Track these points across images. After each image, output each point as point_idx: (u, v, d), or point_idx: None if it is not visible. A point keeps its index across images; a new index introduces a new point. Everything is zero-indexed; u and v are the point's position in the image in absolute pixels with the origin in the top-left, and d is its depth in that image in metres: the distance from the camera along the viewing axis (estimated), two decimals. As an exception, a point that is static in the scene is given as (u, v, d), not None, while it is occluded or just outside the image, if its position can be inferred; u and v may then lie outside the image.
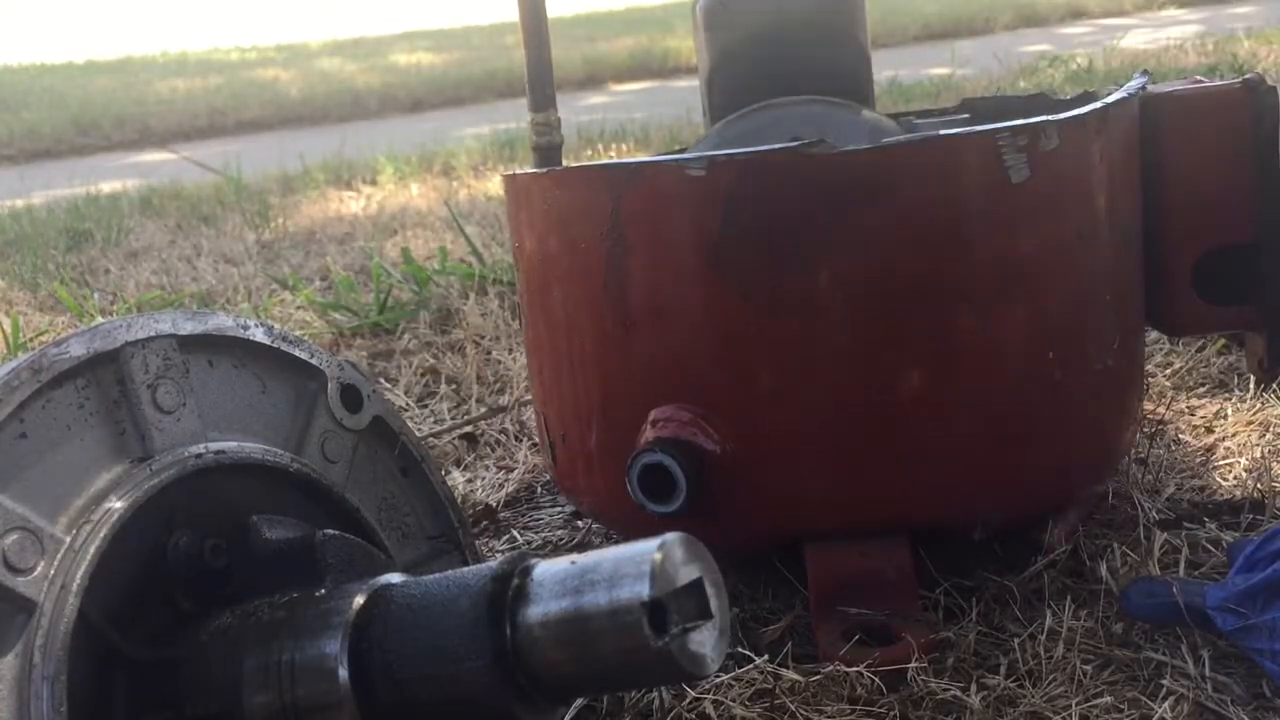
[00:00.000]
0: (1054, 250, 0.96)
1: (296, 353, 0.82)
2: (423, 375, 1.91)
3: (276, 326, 0.81)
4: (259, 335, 0.79)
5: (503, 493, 1.41)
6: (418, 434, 1.73)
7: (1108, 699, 0.88)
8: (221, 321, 0.77)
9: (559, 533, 1.30)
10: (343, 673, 0.61)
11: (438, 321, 2.21)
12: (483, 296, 2.29)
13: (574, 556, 0.59)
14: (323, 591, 0.66)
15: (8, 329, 2.24)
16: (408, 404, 1.79)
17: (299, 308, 2.40)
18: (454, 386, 1.84)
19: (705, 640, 0.56)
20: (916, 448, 0.95)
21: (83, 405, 0.69)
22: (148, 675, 0.67)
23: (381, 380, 1.92)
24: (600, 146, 4.23)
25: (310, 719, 0.61)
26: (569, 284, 1.02)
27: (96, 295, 2.69)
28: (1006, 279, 0.95)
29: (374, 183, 4.07)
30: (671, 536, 0.57)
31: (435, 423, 1.70)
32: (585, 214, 0.98)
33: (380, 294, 2.30)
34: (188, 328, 0.75)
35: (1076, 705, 0.87)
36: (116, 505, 0.66)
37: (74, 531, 0.64)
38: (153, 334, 0.72)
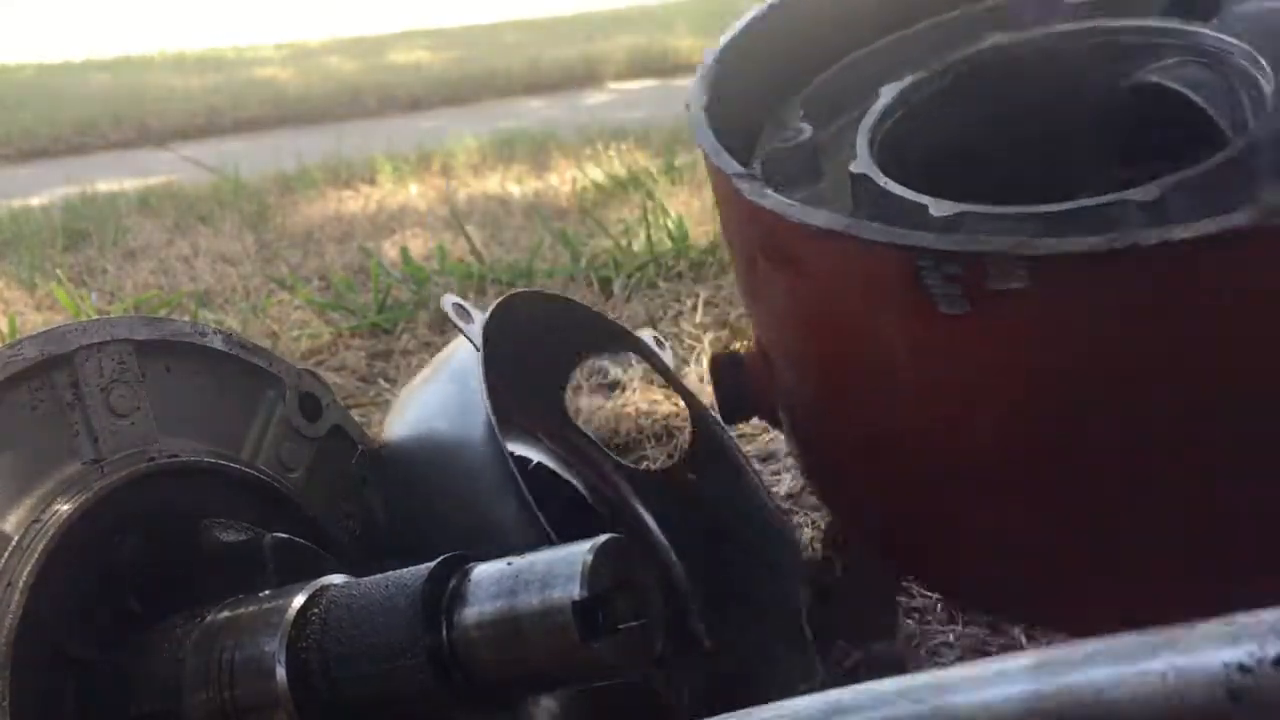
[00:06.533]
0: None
1: (255, 360, 0.83)
2: (422, 375, 1.92)
3: (235, 334, 0.82)
4: (216, 342, 0.80)
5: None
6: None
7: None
8: (179, 327, 0.78)
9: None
10: (280, 672, 0.62)
11: (437, 321, 2.21)
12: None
13: (511, 558, 0.60)
14: (266, 593, 0.67)
15: (5, 329, 2.25)
16: (405, 404, 1.80)
17: (297, 307, 2.41)
18: (453, 386, 1.85)
19: (636, 641, 0.57)
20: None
21: (35, 407, 0.70)
22: (95, 676, 0.68)
23: (381, 380, 1.93)
24: (600, 145, 4.24)
25: (248, 718, 0.62)
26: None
27: (94, 295, 2.70)
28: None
29: (372, 182, 4.08)
30: (604, 539, 0.58)
31: (431, 423, 1.70)
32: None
33: (379, 294, 2.30)
34: (144, 333, 0.76)
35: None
36: (66, 506, 0.67)
37: (23, 530, 0.65)
38: (108, 338, 0.73)
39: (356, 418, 1.77)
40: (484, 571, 0.60)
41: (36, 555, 0.64)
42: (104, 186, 4.05)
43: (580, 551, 0.57)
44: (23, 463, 0.68)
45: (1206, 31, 0.89)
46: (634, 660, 0.57)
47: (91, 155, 5.22)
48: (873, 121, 0.93)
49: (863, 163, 0.88)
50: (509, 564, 0.60)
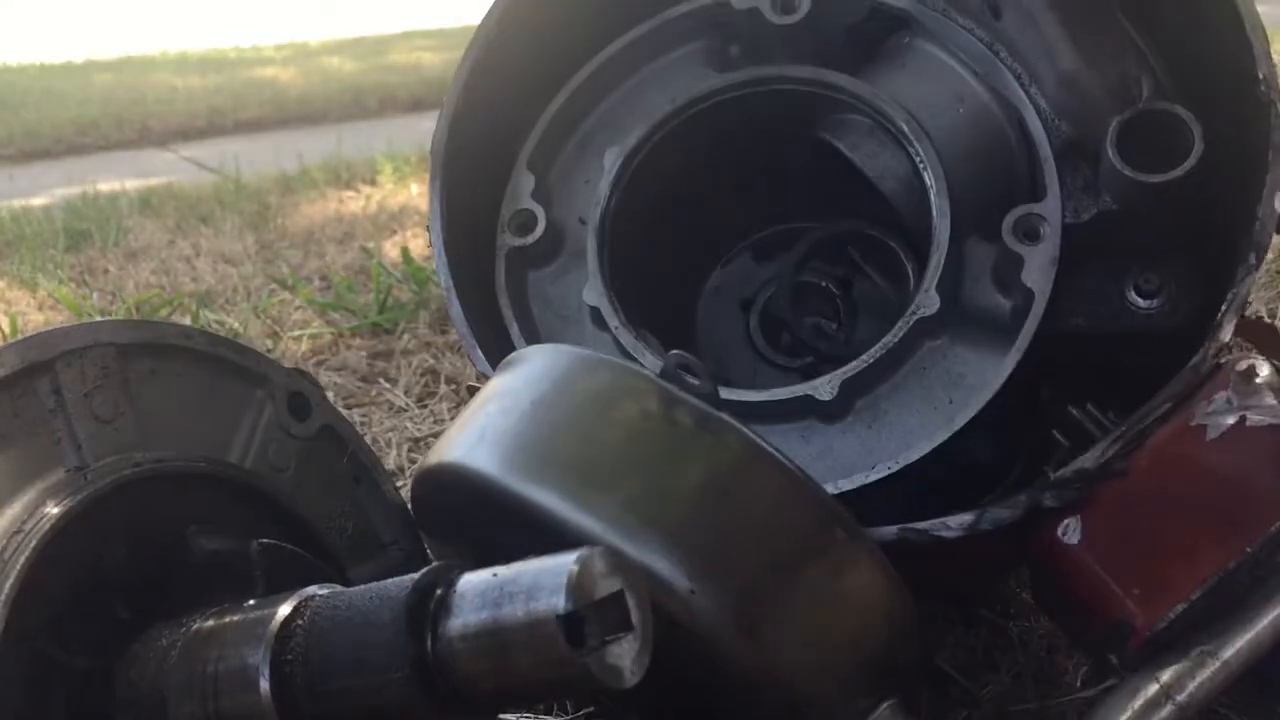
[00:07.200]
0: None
1: (242, 360, 0.82)
2: (422, 375, 1.92)
3: (222, 335, 0.81)
4: (202, 343, 0.79)
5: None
6: (417, 434, 1.76)
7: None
8: (163, 330, 0.77)
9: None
10: (264, 684, 0.61)
11: (437, 321, 2.20)
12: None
13: (498, 568, 0.59)
14: (252, 602, 0.66)
15: (6, 329, 2.25)
16: (407, 404, 1.80)
17: (298, 308, 2.40)
18: (454, 386, 1.84)
19: (624, 653, 0.56)
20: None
21: (18, 415, 0.69)
22: (84, 685, 0.67)
23: (381, 380, 1.93)
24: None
25: (232, 730, 0.62)
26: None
27: (95, 295, 2.70)
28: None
29: (373, 182, 4.07)
30: (592, 549, 0.57)
31: (435, 423, 1.70)
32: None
33: (380, 294, 2.30)
34: (127, 336, 0.75)
35: (1075, 707, 0.87)
36: (50, 514, 0.66)
37: (5, 541, 0.65)
38: (90, 343, 0.72)
39: (357, 418, 1.77)
40: (469, 582, 0.59)
41: (19, 566, 0.63)
42: (105, 187, 4.05)
43: (566, 563, 0.56)
44: (5, 471, 0.67)
45: (876, 97, 1.00)
46: (621, 673, 0.56)
47: (93, 155, 5.22)
48: (600, 209, 1.01)
49: (594, 291, 0.98)
50: (494, 575, 0.59)
